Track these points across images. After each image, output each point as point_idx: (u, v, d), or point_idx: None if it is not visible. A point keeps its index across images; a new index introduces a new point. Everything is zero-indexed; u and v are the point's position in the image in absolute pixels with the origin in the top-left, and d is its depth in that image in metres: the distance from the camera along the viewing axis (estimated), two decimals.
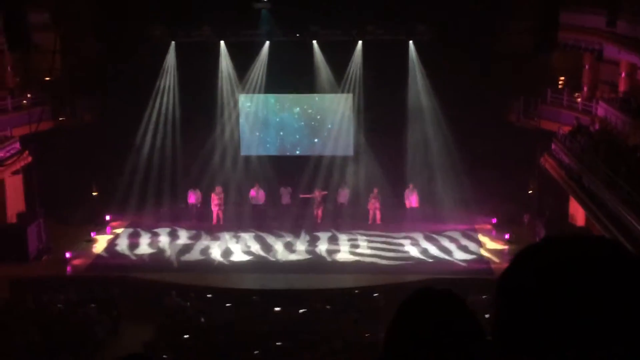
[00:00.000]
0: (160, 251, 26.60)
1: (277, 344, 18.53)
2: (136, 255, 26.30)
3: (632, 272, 1.40)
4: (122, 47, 29.16)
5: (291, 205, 29.60)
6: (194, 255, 26.26)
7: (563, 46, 27.11)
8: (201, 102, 30.29)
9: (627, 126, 23.85)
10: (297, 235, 27.88)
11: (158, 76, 30.73)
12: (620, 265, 1.41)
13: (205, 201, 29.43)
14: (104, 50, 30.09)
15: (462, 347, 1.81)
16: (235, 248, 26.79)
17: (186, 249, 26.81)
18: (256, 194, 29.19)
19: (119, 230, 28.67)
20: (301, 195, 29.11)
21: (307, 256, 26.03)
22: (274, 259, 25.84)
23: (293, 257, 26.03)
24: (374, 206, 29.02)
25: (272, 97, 31.34)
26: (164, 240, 27.66)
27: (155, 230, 28.61)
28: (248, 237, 27.74)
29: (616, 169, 20.83)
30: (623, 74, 26.60)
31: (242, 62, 30.61)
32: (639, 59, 24.33)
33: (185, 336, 19.36)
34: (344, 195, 29.46)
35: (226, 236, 27.87)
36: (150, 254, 26.34)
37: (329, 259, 25.85)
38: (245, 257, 25.97)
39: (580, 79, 29.53)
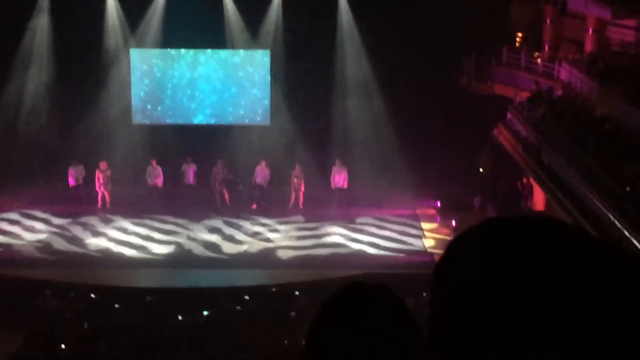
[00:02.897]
0: (32, 242, 26.17)
1: (177, 356, 18.46)
2: (1, 246, 25.80)
3: (587, 263, 1.40)
4: None
5: (195, 185, 29.45)
6: (74, 246, 25.93)
7: None
8: (83, 57, 29.76)
9: (594, 93, 24.39)
10: (200, 222, 27.79)
11: (27, 28, 30.06)
12: (575, 254, 1.41)
13: (90, 180, 29.03)
14: None
15: (398, 355, 1.80)
16: (125, 238, 26.55)
17: (64, 238, 26.44)
18: (153, 172, 28.90)
19: None
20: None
21: (213, 248, 25.96)
22: (172, 251, 25.69)
23: (196, 248, 25.93)
24: (297, 187, 29.05)
25: (171, 53, 31.06)
26: (36, 228, 27.23)
27: (26, 215, 28.12)
28: (140, 225, 27.50)
29: (581, 142, 21.31)
30: (590, 31, 27.14)
31: (135, 8, 30.24)
32: (610, 13, 24.83)
33: (62, 346, 19.12)
34: (263, 175, 29.32)
35: (114, 223, 27.58)
36: (20, 245, 25.89)
37: (238, 250, 25.84)
38: (137, 250, 25.76)
39: (541, 36, 30.04)
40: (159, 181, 29.02)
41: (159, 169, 28.99)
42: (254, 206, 28.91)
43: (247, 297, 21.59)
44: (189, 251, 25.77)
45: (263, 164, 29.26)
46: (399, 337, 1.81)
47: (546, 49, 29.65)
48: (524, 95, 27.35)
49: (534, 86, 27.35)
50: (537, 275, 1.37)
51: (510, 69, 29.91)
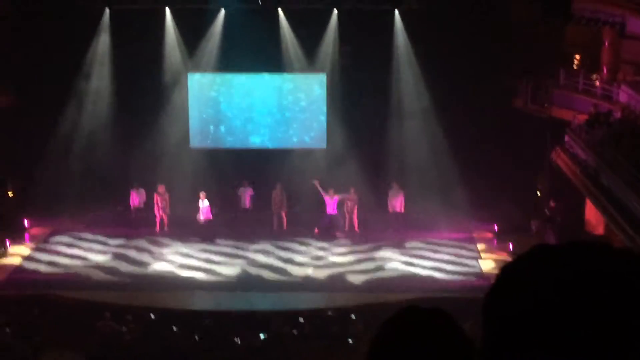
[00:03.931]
0: (91, 264, 26.40)
1: None
2: (62, 269, 26.07)
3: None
4: (44, 15, 28.90)
5: (252, 209, 29.56)
6: (132, 268, 26.11)
7: (578, 18, 27.29)
8: (141, 83, 30.09)
9: None
10: (257, 245, 27.84)
11: (88, 51, 30.54)
12: (627, 279, 1.41)
13: (149, 203, 29.28)
14: (19, 18, 29.76)
15: None
16: (183, 261, 26.69)
17: (123, 261, 26.64)
18: (202, 203, 28.84)
19: (40, 239, 28.43)
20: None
21: (269, 272, 25.96)
22: (228, 275, 25.76)
23: (253, 272, 25.96)
24: (350, 210, 29.00)
25: (228, 77, 31.28)
26: (96, 250, 27.48)
27: (85, 238, 28.42)
28: (198, 248, 27.64)
29: None
30: None
31: (192, 34, 30.55)
32: None
33: None
34: (332, 204, 28.76)
35: (172, 247, 27.77)
36: (80, 268, 26.12)
37: (296, 274, 25.84)
38: (195, 273, 25.86)
39: (599, 58, 29.74)
40: (207, 215, 28.75)
41: (207, 204, 28.63)
42: (317, 231, 28.76)
43: (302, 321, 21.55)
44: (246, 274, 25.78)
45: (331, 192, 28.54)
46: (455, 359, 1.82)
47: (604, 71, 29.34)
48: (582, 118, 27.06)
49: (592, 109, 27.05)
50: (589, 304, 1.37)
51: (567, 91, 29.62)
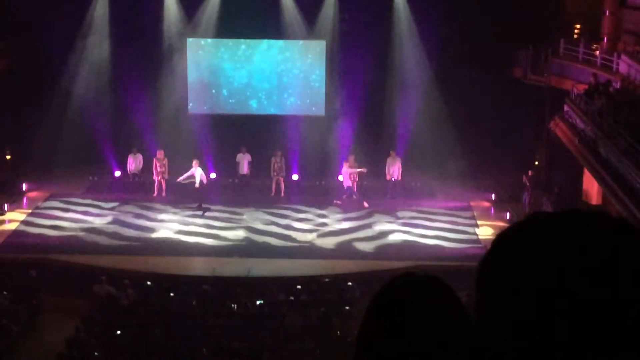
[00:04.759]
0: (88, 228, 26.44)
1: (232, 343, 18.56)
2: (59, 233, 26.12)
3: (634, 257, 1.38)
4: None
5: (250, 175, 29.59)
6: (130, 233, 26.15)
7: None
8: (140, 47, 30.03)
9: None
10: (254, 212, 27.89)
11: (85, 16, 30.40)
12: (621, 247, 1.39)
13: (146, 168, 29.29)
14: None
15: (451, 348, 1.80)
16: (180, 227, 26.73)
17: (120, 226, 26.68)
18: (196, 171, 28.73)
19: (38, 203, 28.46)
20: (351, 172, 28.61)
21: (266, 238, 26.01)
22: (226, 241, 25.81)
23: (250, 238, 26.01)
24: (349, 177, 29.01)
25: (227, 43, 31.21)
26: (92, 215, 27.52)
27: (83, 202, 28.45)
28: (196, 214, 27.67)
29: (639, 136, 20.99)
30: None
31: None
32: None
33: (118, 332, 19.32)
34: (348, 175, 28.67)
35: (169, 212, 27.80)
36: (76, 232, 26.17)
37: (292, 241, 25.88)
38: (193, 238, 25.92)
39: (600, 28, 29.65)
40: (202, 179, 28.59)
41: (200, 172, 28.29)
42: (339, 202, 28.65)
43: (299, 287, 21.63)
44: (244, 240, 25.84)
45: (351, 158, 28.51)
46: (451, 329, 1.81)
47: (604, 40, 29.26)
48: (582, 87, 27.02)
49: (592, 79, 27.01)
50: (585, 271, 1.36)
51: (567, 61, 29.57)
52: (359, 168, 28.43)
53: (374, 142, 29.89)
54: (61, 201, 28.51)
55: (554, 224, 1.44)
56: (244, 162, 29.46)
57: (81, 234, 26.05)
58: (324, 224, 27.21)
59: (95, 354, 18.04)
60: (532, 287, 1.38)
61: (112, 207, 28.23)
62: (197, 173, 27.96)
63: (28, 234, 25.87)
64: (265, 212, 27.90)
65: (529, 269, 1.40)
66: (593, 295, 1.34)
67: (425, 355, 1.77)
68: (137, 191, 29.24)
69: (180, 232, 26.31)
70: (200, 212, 27.48)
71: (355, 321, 18.88)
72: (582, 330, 1.34)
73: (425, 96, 30.31)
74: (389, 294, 1.85)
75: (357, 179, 28.70)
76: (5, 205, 27.67)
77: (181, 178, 28.15)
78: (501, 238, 1.50)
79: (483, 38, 28.83)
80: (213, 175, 29.79)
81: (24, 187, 29.00)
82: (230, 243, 25.60)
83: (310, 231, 26.55)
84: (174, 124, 30.65)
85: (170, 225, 26.84)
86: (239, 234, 26.23)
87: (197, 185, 28.15)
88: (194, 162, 28.14)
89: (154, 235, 26.09)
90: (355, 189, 28.66)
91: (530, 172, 27.83)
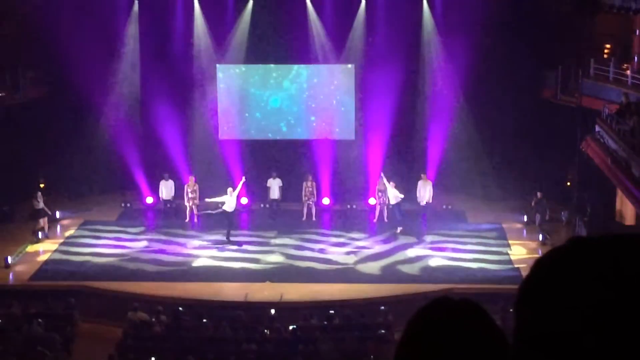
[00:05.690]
0: (121, 255, 26.53)
1: None
2: (92, 260, 26.21)
3: None
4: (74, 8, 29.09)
5: (281, 200, 29.65)
6: (162, 259, 26.19)
7: (609, 7, 27.07)
8: (171, 74, 30.22)
9: None
10: (286, 236, 27.90)
11: (117, 42, 30.71)
12: None
13: (178, 195, 29.39)
14: (52, 13, 29.92)
15: None
16: (212, 252, 26.77)
17: (152, 252, 26.75)
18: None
19: (71, 230, 28.61)
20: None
21: (300, 262, 25.99)
22: (259, 265, 25.81)
23: (282, 262, 25.99)
24: (380, 200, 28.96)
25: (255, 69, 31.34)
26: (125, 241, 27.61)
27: (116, 229, 28.58)
28: (228, 240, 27.71)
29: None
30: None
31: (221, 24, 30.64)
32: None
33: (152, 359, 19.36)
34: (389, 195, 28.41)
35: (201, 237, 27.87)
36: (109, 259, 26.24)
37: (324, 265, 25.85)
38: (226, 263, 25.94)
39: (630, 47, 29.49)
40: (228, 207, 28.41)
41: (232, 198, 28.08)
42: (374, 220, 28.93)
43: (332, 312, 21.57)
44: (276, 265, 25.85)
45: (392, 184, 28.25)
46: (487, 353, 1.81)
47: (635, 60, 29.10)
48: (613, 107, 26.85)
49: (623, 98, 26.84)
50: (628, 302, 1.36)
51: (598, 81, 29.41)
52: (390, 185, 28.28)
53: (405, 165, 29.87)
54: (94, 229, 28.64)
55: (595, 251, 1.44)
56: (275, 187, 29.53)
57: (114, 260, 26.13)
58: (359, 247, 27.13)
59: None
60: (572, 315, 1.39)
61: (144, 233, 28.35)
62: (228, 199, 27.84)
63: (61, 261, 25.99)
64: (297, 237, 27.88)
65: (570, 297, 1.40)
66: (635, 325, 1.34)
67: None
68: (169, 217, 29.35)
69: (212, 257, 26.33)
70: (228, 239, 27.39)
71: (389, 345, 18.82)
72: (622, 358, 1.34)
73: (455, 118, 30.25)
74: (425, 317, 1.86)
75: (388, 202, 28.60)
76: (40, 233, 27.63)
77: (210, 200, 28.00)
78: (543, 263, 1.50)
79: (512, 59, 28.77)
80: (245, 201, 29.90)
81: (57, 214, 29.17)
82: (262, 267, 25.60)
83: (345, 254, 26.52)
84: (204, 150, 30.78)
85: (202, 251, 26.89)
86: (272, 258, 26.22)
87: (221, 208, 27.87)
88: (229, 190, 28.01)
89: (187, 261, 26.14)
90: (387, 212, 28.66)
91: (539, 194, 27.55)
